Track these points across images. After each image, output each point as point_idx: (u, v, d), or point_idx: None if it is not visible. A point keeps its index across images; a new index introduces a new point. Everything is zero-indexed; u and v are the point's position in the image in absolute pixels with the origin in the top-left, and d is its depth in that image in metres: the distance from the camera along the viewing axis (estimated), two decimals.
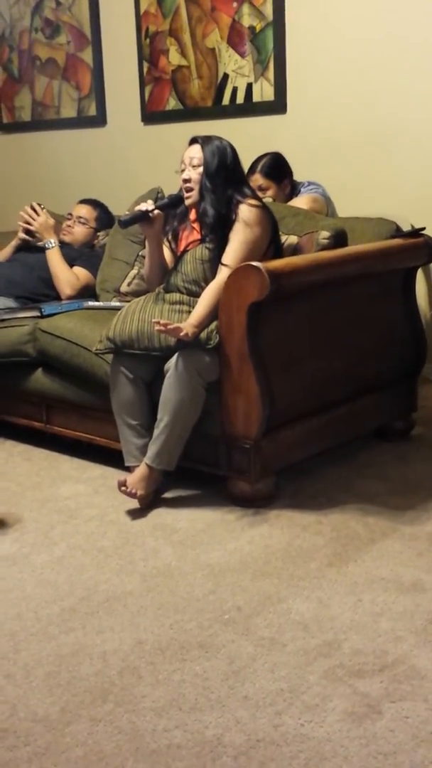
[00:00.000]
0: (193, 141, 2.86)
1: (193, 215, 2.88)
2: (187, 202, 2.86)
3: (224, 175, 2.80)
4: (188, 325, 2.65)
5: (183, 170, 2.84)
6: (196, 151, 2.82)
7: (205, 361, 2.68)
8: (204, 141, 2.83)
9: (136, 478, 2.73)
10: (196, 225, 2.87)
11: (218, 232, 2.78)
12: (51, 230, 3.61)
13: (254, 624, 2.08)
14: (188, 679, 1.88)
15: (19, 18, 5.18)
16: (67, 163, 5.13)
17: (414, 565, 2.34)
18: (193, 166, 2.81)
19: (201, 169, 2.80)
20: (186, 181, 2.83)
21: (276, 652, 1.96)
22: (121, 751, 1.66)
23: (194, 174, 2.81)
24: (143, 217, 2.86)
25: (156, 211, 2.85)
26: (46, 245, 3.58)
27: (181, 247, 2.92)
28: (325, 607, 2.14)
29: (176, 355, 2.68)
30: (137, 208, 2.88)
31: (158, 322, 2.61)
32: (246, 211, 2.78)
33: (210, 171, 2.79)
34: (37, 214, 3.63)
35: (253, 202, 2.82)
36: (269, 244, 2.83)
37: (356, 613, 2.12)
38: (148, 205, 2.85)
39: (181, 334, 2.61)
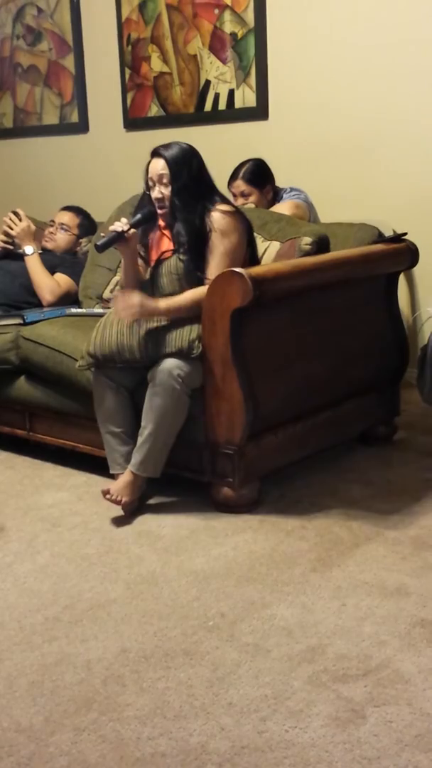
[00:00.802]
0: (155, 154, 2.78)
1: (162, 222, 2.85)
2: (162, 219, 2.81)
3: (192, 186, 2.76)
4: (160, 300, 2.66)
5: (152, 187, 2.78)
6: (162, 167, 2.74)
7: (188, 368, 2.67)
8: (166, 152, 2.75)
9: (120, 485, 2.73)
10: (166, 232, 2.84)
11: (194, 249, 2.74)
12: (31, 237, 3.60)
13: (238, 630, 2.08)
14: (173, 687, 1.87)
15: (1, 25, 5.17)
16: (50, 169, 5.12)
17: (398, 569, 2.35)
18: (164, 185, 2.75)
19: (170, 187, 2.74)
20: (159, 200, 2.77)
21: (260, 658, 1.96)
22: (106, 760, 1.66)
23: (166, 192, 2.75)
24: (119, 238, 2.76)
25: (131, 231, 2.76)
26: (25, 251, 3.56)
27: (154, 256, 2.87)
28: (309, 613, 2.15)
29: (160, 363, 2.67)
30: (111, 228, 2.78)
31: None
32: (219, 219, 2.75)
33: (177, 186, 2.74)
34: (20, 220, 3.61)
35: (225, 208, 2.80)
36: (246, 247, 2.83)
37: (340, 618, 2.12)
38: (123, 225, 2.75)
39: (131, 309, 2.63)
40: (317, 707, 1.78)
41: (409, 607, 2.15)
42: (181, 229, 2.76)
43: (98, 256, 3.52)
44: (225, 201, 2.88)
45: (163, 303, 2.70)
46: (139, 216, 2.83)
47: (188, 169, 2.76)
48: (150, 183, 2.80)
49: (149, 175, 2.80)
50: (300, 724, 1.73)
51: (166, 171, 2.75)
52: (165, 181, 2.75)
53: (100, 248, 2.82)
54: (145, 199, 2.87)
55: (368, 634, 2.04)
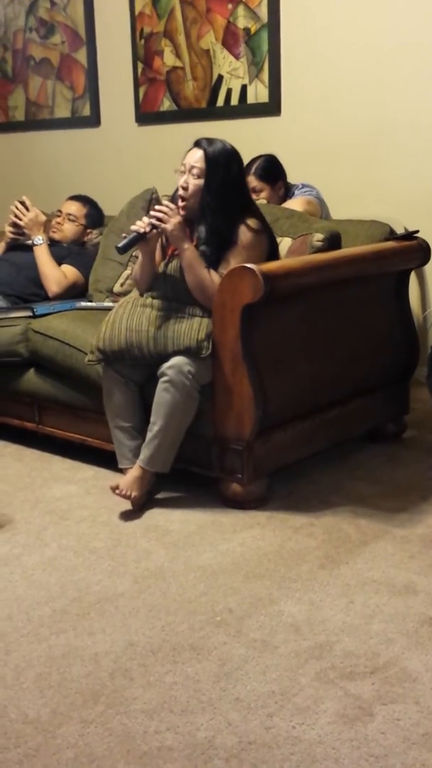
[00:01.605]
0: (198, 145, 2.73)
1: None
2: (181, 212, 2.74)
3: (232, 193, 2.70)
4: (191, 246, 2.65)
5: (182, 173, 2.73)
6: (197, 160, 2.69)
7: (197, 364, 2.67)
8: (209, 148, 2.69)
9: (129, 480, 2.73)
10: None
11: (211, 246, 2.71)
12: (40, 227, 3.57)
13: (246, 626, 2.08)
14: (180, 681, 1.87)
15: (14, 18, 5.17)
16: (61, 163, 5.12)
17: (406, 567, 2.34)
18: (193, 175, 2.70)
19: (201, 181, 2.69)
20: (183, 188, 2.72)
21: (268, 654, 1.96)
22: (112, 753, 1.66)
23: (192, 184, 2.71)
24: (139, 239, 2.73)
25: (153, 231, 2.72)
26: (35, 242, 3.55)
27: (171, 250, 2.84)
28: (316, 609, 2.14)
29: (170, 359, 2.67)
30: (133, 227, 2.74)
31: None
32: (246, 234, 2.71)
33: (213, 186, 2.67)
34: (27, 210, 3.59)
35: (254, 225, 2.72)
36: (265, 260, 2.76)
37: (348, 615, 2.12)
38: (144, 226, 2.70)
39: (169, 222, 2.63)
40: (324, 704, 1.78)
41: (417, 606, 2.15)
42: (203, 231, 2.71)
43: (109, 250, 3.51)
44: (257, 214, 2.78)
45: (191, 250, 2.67)
46: (127, 240, 2.75)
47: (225, 171, 2.69)
48: (182, 169, 2.74)
49: (184, 161, 2.73)
50: (307, 720, 1.73)
51: (201, 164, 2.69)
52: (195, 173, 2.70)
53: (122, 250, 2.78)
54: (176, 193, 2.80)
55: (376, 631, 2.04)
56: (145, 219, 2.74)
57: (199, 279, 2.69)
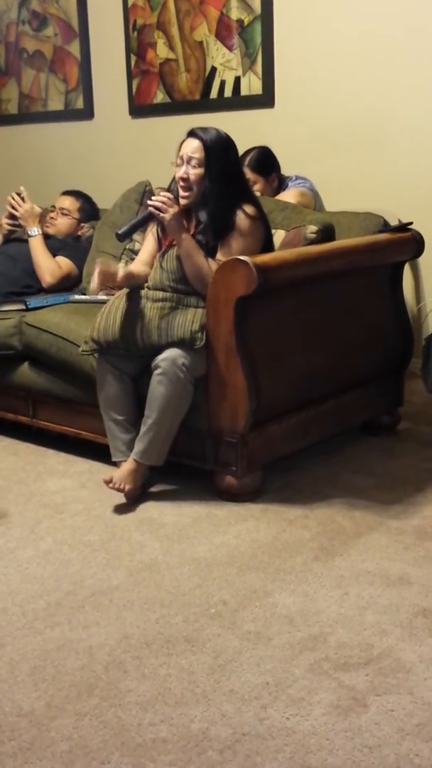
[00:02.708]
0: (192, 135, 2.74)
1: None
2: (183, 202, 2.75)
3: (231, 179, 2.72)
4: (188, 236, 2.67)
5: (179, 165, 2.74)
6: (195, 149, 2.70)
7: (191, 357, 2.67)
8: (206, 137, 2.70)
9: (123, 473, 2.73)
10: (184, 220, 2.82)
11: (209, 234, 2.72)
12: (35, 218, 3.59)
13: (240, 618, 2.08)
14: (174, 673, 1.88)
15: (6, 10, 5.15)
16: (55, 156, 5.10)
17: (400, 558, 2.35)
18: (192, 166, 2.70)
19: (201, 170, 2.70)
20: (183, 179, 2.73)
21: (262, 646, 1.97)
22: (107, 746, 1.66)
23: (192, 174, 2.71)
24: (139, 226, 2.79)
25: (151, 220, 2.78)
26: (30, 233, 3.55)
27: (166, 242, 2.84)
28: (311, 601, 2.15)
29: (164, 351, 2.67)
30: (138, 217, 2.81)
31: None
32: (243, 220, 2.72)
33: (213, 174, 2.69)
34: (24, 201, 3.60)
35: (251, 211, 2.74)
36: (260, 250, 2.78)
37: (342, 606, 2.12)
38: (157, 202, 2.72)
39: (168, 212, 2.65)
40: (318, 695, 1.79)
41: (411, 597, 2.15)
42: (204, 217, 2.72)
43: (103, 243, 3.51)
44: (254, 201, 2.80)
45: (189, 239, 2.69)
46: (134, 222, 2.82)
47: (224, 158, 2.72)
48: (179, 161, 2.74)
49: (180, 153, 2.74)
50: (301, 711, 1.74)
51: (199, 154, 2.70)
52: (194, 163, 2.71)
53: (122, 237, 2.81)
54: (174, 188, 2.81)
55: (370, 623, 2.05)
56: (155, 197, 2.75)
57: (197, 267, 2.69)
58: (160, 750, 1.64)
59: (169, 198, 2.70)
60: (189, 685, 1.83)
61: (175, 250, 2.75)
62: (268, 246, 2.84)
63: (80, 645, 1.99)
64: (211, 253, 2.73)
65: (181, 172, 2.73)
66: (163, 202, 2.68)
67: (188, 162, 2.72)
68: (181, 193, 2.75)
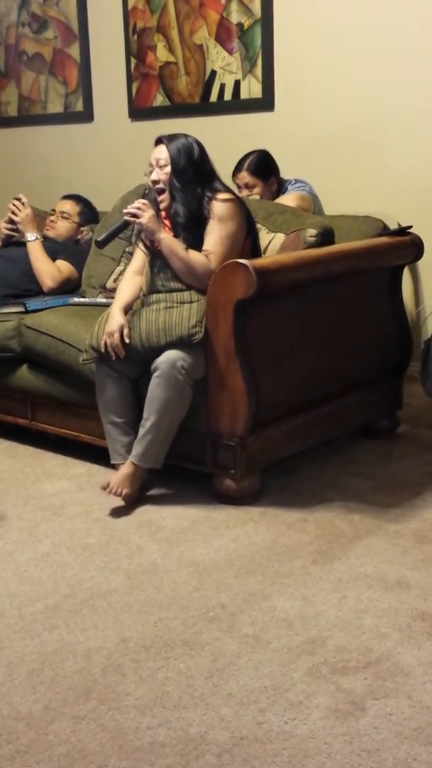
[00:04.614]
0: (158, 141, 2.86)
1: (163, 214, 2.86)
2: (162, 206, 2.84)
3: (192, 172, 2.80)
4: (163, 230, 2.74)
5: (150, 172, 2.84)
6: (161, 152, 2.82)
7: (191, 359, 2.67)
8: (168, 140, 2.83)
9: (120, 477, 2.72)
10: (167, 222, 2.84)
11: (191, 230, 2.77)
12: (34, 224, 3.61)
13: (238, 621, 2.08)
14: (172, 677, 1.87)
15: (6, 12, 5.15)
16: (54, 159, 5.10)
17: (398, 562, 2.35)
18: (160, 167, 2.81)
19: (168, 169, 2.80)
20: (155, 182, 2.83)
21: (260, 650, 1.96)
22: (104, 749, 1.66)
23: (162, 175, 2.81)
24: (119, 231, 2.89)
25: (129, 224, 2.84)
26: (28, 238, 3.56)
27: (156, 245, 2.85)
28: (309, 605, 2.14)
29: (163, 354, 2.67)
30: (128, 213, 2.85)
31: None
32: (219, 206, 2.78)
33: (177, 169, 2.79)
34: (24, 206, 3.62)
35: (225, 196, 2.82)
36: (246, 236, 2.83)
37: (340, 610, 2.12)
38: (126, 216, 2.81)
39: (143, 216, 2.71)
40: (317, 699, 1.78)
41: (409, 601, 2.15)
42: (179, 210, 2.79)
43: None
44: (227, 190, 2.89)
45: (168, 237, 2.75)
46: (117, 225, 2.90)
47: (188, 156, 2.81)
48: (149, 168, 2.85)
49: (150, 161, 2.85)
50: (299, 715, 1.73)
51: (164, 155, 2.81)
52: (162, 163, 2.81)
53: (101, 244, 2.93)
54: (151, 195, 2.90)
55: (368, 626, 2.04)
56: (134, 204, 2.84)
57: (182, 261, 2.73)
58: (158, 754, 1.64)
59: (144, 203, 2.79)
60: (187, 688, 1.83)
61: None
62: (252, 229, 2.89)
63: (78, 648, 1.99)
64: (196, 248, 2.77)
65: (152, 176, 2.84)
66: (138, 208, 2.76)
67: (157, 165, 2.83)
68: (158, 198, 2.84)
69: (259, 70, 4.15)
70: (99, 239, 2.93)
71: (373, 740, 1.65)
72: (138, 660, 1.94)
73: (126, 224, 2.85)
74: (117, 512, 2.71)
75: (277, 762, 1.61)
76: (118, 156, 4.79)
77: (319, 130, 4.02)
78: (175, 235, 2.79)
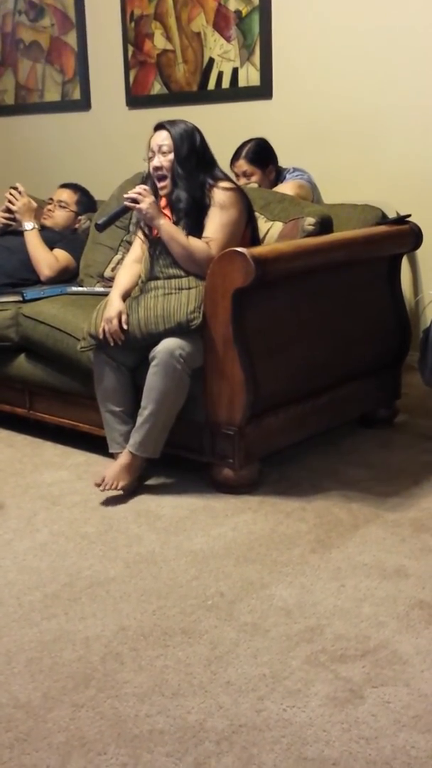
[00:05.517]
0: (159, 127, 2.84)
1: (163, 202, 2.85)
2: (162, 192, 2.83)
3: (195, 159, 2.80)
4: (163, 217, 2.73)
5: (151, 158, 2.83)
6: (164, 138, 2.80)
7: (189, 348, 2.66)
8: (171, 126, 2.82)
9: (116, 469, 2.71)
10: (167, 211, 2.83)
11: (193, 216, 2.77)
12: (31, 213, 3.60)
13: (237, 610, 2.08)
14: (171, 665, 1.87)
15: (2, 0, 5.11)
16: (51, 147, 5.08)
17: (397, 551, 2.35)
18: (163, 153, 2.80)
19: (171, 155, 2.79)
20: (157, 168, 2.81)
21: (258, 638, 1.96)
22: (103, 737, 1.66)
23: (165, 161, 2.80)
24: (119, 215, 2.88)
25: (134, 204, 2.81)
26: (25, 227, 3.55)
27: (155, 233, 2.85)
28: (308, 593, 2.15)
29: (161, 342, 2.66)
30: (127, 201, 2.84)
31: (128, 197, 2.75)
32: (220, 194, 2.78)
33: (181, 155, 2.78)
34: (21, 195, 3.60)
35: (226, 185, 2.81)
36: (246, 225, 2.83)
37: (339, 598, 2.12)
38: (126, 201, 2.80)
39: (144, 202, 2.70)
40: (315, 687, 1.79)
41: (407, 589, 2.15)
42: (181, 196, 2.78)
43: (99, 235, 3.49)
44: (227, 178, 2.88)
45: (168, 223, 2.74)
46: (111, 214, 2.91)
47: (190, 143, 2.80)
48: (150, 154, 2.84)
49: (151, 146, 2.84)
50: (298, 703, 1.74)
51: (167, 141, 2.79)
52: (165, 150, 2.79)
53: (101, 227, 2.92)
54: (149, 182, 2.88)
55: (367, 615, 2.05)
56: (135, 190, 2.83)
57: (182, 247, 2.73)
58: (157, 741, 1.64)
59: (144, 189, 2.78)
60: (186, 676, 1.83)
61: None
62: (251, 219, 2.89)
63: (77, 636, 1.99)
64: (197, 235, 2.76)
65: (154, 162, 2.82)
66: (139, 193, 2.75)
67: (159, 151, 2.81)
68: (159, 184, 2.83)
69: (257, 57, 4.13)
70: (99, 222, 2.93)
71: (371, 728, 1.66)
72: (137, 648, 1.94)
73: (126, 209, 2.84)
74: (115, 501, 2.71)
75: (276, 749, 1.61)
76: (116, 144, 4.76)
77: (318, 118, 4.00)
78: (176, 222, 2.78)
